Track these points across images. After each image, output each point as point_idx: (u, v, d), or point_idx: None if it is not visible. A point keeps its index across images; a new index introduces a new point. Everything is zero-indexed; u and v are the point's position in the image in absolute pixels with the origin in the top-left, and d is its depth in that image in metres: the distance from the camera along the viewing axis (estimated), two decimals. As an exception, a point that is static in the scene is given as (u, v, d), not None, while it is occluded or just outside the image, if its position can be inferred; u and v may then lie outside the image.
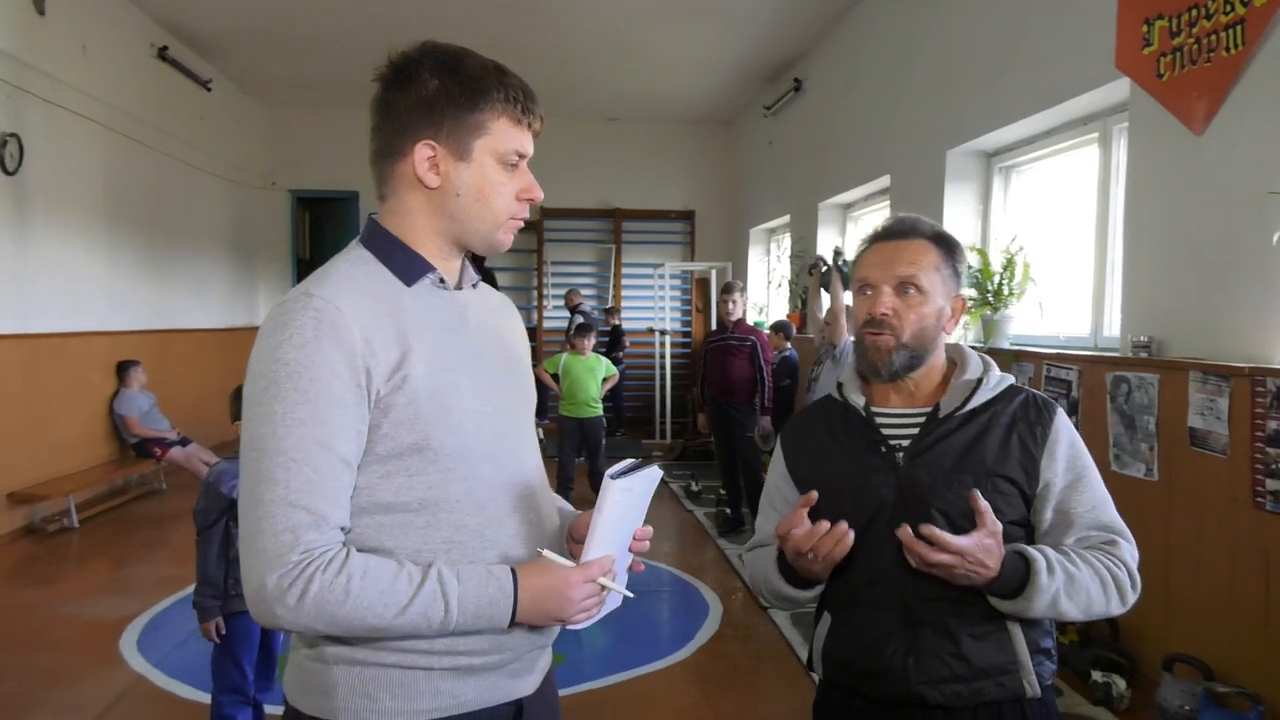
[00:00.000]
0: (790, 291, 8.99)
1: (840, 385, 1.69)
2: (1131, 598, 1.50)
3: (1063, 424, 1.55)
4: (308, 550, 1.14)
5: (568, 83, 9.74)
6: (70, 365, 6.68)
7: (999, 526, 1.41)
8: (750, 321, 9.62)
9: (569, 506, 1.51)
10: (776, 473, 1.73)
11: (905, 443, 1.56)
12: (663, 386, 10.59)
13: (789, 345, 7.36)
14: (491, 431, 1.29)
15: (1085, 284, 4.66)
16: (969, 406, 1.55)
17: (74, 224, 6.80)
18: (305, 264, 11.73)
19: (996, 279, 4.92)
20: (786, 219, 9.46)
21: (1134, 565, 1.51)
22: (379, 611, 1.16)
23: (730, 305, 6.40)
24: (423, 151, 1.26)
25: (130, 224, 7.67)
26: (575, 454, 7.04)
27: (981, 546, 1.39)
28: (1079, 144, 4.83)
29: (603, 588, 1.28)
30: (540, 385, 8.02)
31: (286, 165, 11.10)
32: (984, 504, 1.41)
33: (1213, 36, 3.48)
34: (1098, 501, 1.53)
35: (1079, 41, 4.32)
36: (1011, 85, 4.94)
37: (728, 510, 6.44)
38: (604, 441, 7.22)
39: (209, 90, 9.03)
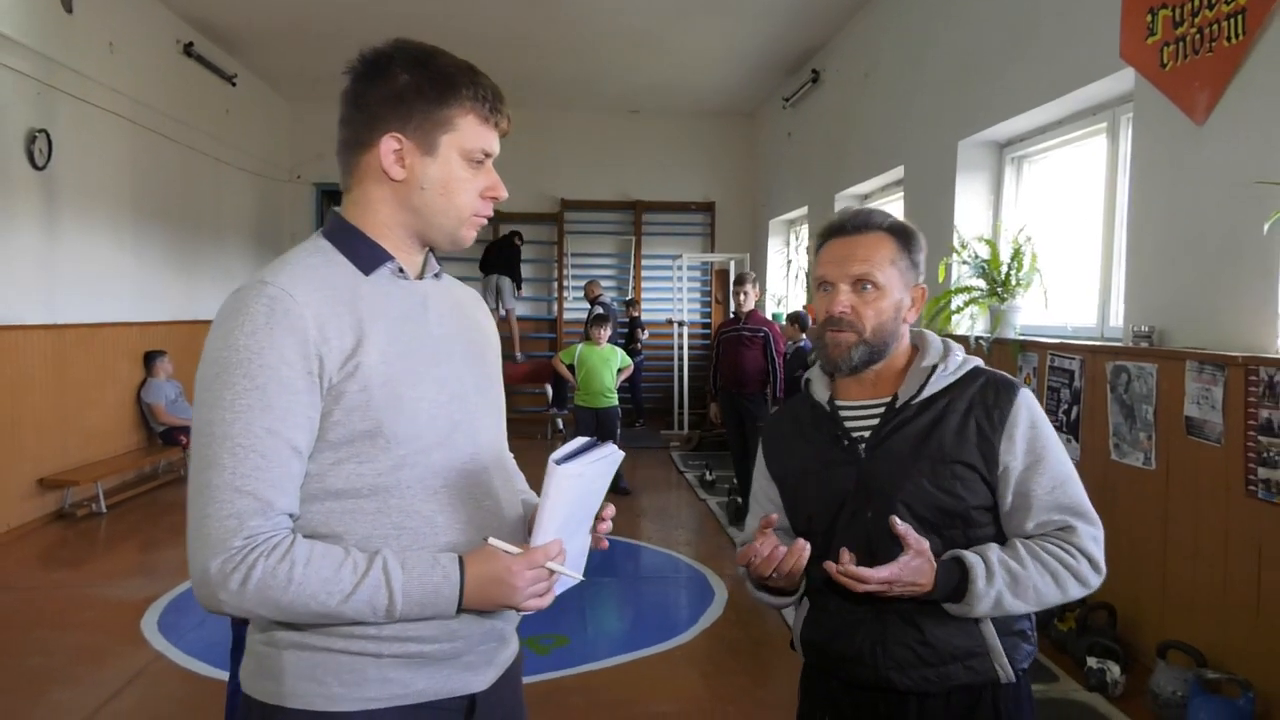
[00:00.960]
0: (808, 282, 9.01)
1: (807, 382, 1.71)
2: (1094, 581, 1.50)
3: (1023, 405, 1.53)
4: (251, 536, 1.15)
5: (589, 76, 9.81)
6: (99, 355, 6.86)
7: (925, 545, 1.43)
8: (769, 312, 9.71)
9: (534, 498, 1.49)
10: (759, 469, 1.76)
11: (867, 434, 1.57)
12: (681, 377, 10.65)
13: (804, 336, 7.39)
14: (446, 420, 1.29)
15: (1093, 274, 4.66)
16: (925, 394, 1.56)
17: (102, 217, 6.98)
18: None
19: (1004, 269, 4.94)
20: (805, 210, 9.47)
21: (1094, 549, 1.50)
22: (322, 599, 1.16)
23: (742, 297, 6.45)
24: (389, 144, 1.27)
25: (157, 217, 7.84)
26: None
27: (909, 569, 1.41)
28: (1088, 134, 4.83)
29: (551, 572, 1.27)
30: (561, 377, 8.17)
31: (310, 158, 11.26)
32: (903, 527, 1.43)
33: (1214, 26, 3.48)
34: (1059, 482, 1.51)
35: (1087, 31, 4.32)
36: (1022, 75, 4.93)
37: (739, 499, 6.50)
38: (619, 431, 7.31)
39: (234, 85, 9.19)
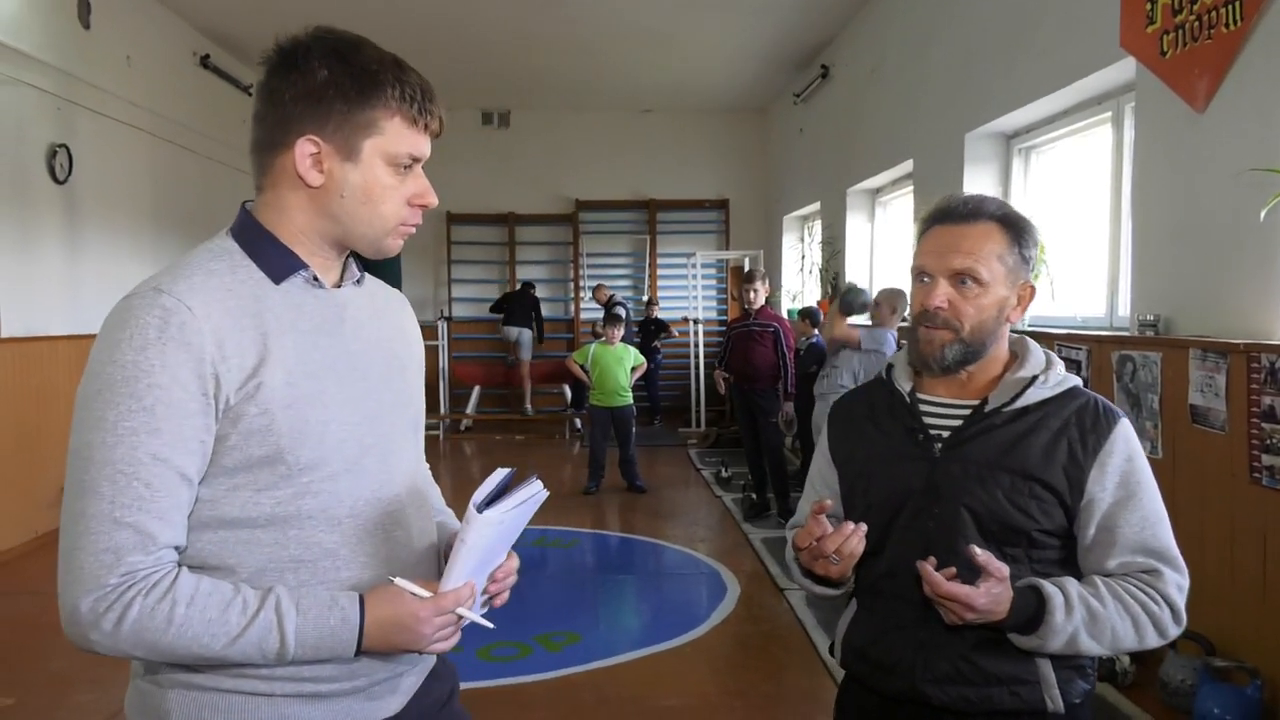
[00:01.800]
0: (821, 278, 9.01)
1: (890, 367, 1.62)
2: (1173, 632, 1.42)
3: (1121, 436, 1.44)
4: (129, 572, 1.06)
5: (600, 75, 9.85)
6: (122, 364, 6.99)
7: (1005, 572, 1.35)
8: (784, 308, 9.71)
9: (455, 522, 1.41)
10: (820, 450, 1.69)
11: (945, 433, 1.49)
12: (698, 375, 10.67)
13: (816, 332, 7.40)
14: (356, 444, 1.20)
15: (1101, 264, 4.65)
16: (1019, 404, 1.46)
17: (123, 230, 7.11)
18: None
19: (1012, 261, 4.93)
20: (817, 205, 9.47)
21: (1179, 598, 1.41)
22: (205, 641, 1.08)
23: (752, 294, 6.47)
24: (305, 147, 1.16)
25: (177, 228, 7.97)
26: (606, 442, 7.19)
27: (990, 597, 1.34)
28: (1093, 124, 4.82)
29: (459, 617, 1.20)
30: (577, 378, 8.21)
31: (328, 166, 11.38)
32: (983, 556, 1.34)
33: (1212, 13, 3.47)
34: (1149, 523, 1.42)
35: (1089, 20, 4.31)
36: (1026, 66, 4.93)
37: (753, 495, 6.53)
38: (634, 429, 7.36)
39: (250, 95, 9.32)
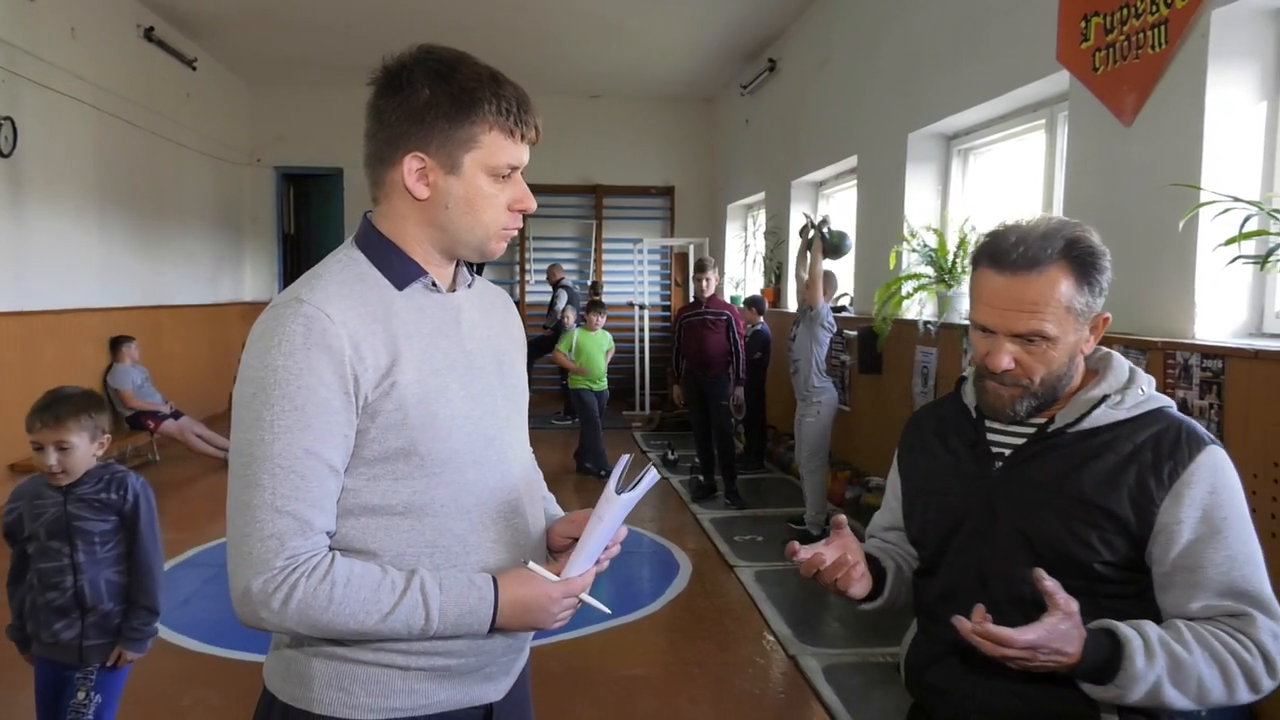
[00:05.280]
0: (765, 266, 9.27)
1: (962, 379, 1.55)
2: (1268, 686, 1.25)
3: (1206, 465, 1.29)
4: (293, 556, 1.17)
5: (550, 60, 9.92)
6: (65, 341, 6.90)
7: (1074, 606, 1.21)
8: (728, 295, 9.96)
9: (555, 509, 1.53)
10: (893, 465, 1.64)
11: (1006, 451, 1.42)
12: (643, 359, 10.87)
13: (761, 319, 7.68)
14: (480, 436, 1.30)
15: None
16: (1086, 424, 1.36)
17: (68, 204, 7.00)
18: (290, 239, 11.93)
19: (951, 257, 5.22)
20: (762, 195, 9.71)
21: (1274, 647, 1.25)
22: (361, 618, 1.18)
23: (704, 283, 6.65)
24: (412, 164, 1.25)
25: (121, 203, 7.86)
26: (602, 423, 7.50)
27: (1056, 634, 1.19)
28: (1029, 129, 5.12)
29: (581, 602, 1.30)
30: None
31: (271, 142, 11.25)
32: (1051, 583, 1.22)
33: (1141, 35, 3.75)
34: (1238, 562, 1.27)
35: (1028, 33, 4.58)
36: (968, 72, 5.19)
37: (700, 477, 6.76)
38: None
39: (194, 69, 9.18)
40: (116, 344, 7.49)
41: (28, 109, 6.35)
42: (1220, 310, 3.47)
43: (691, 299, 6.95)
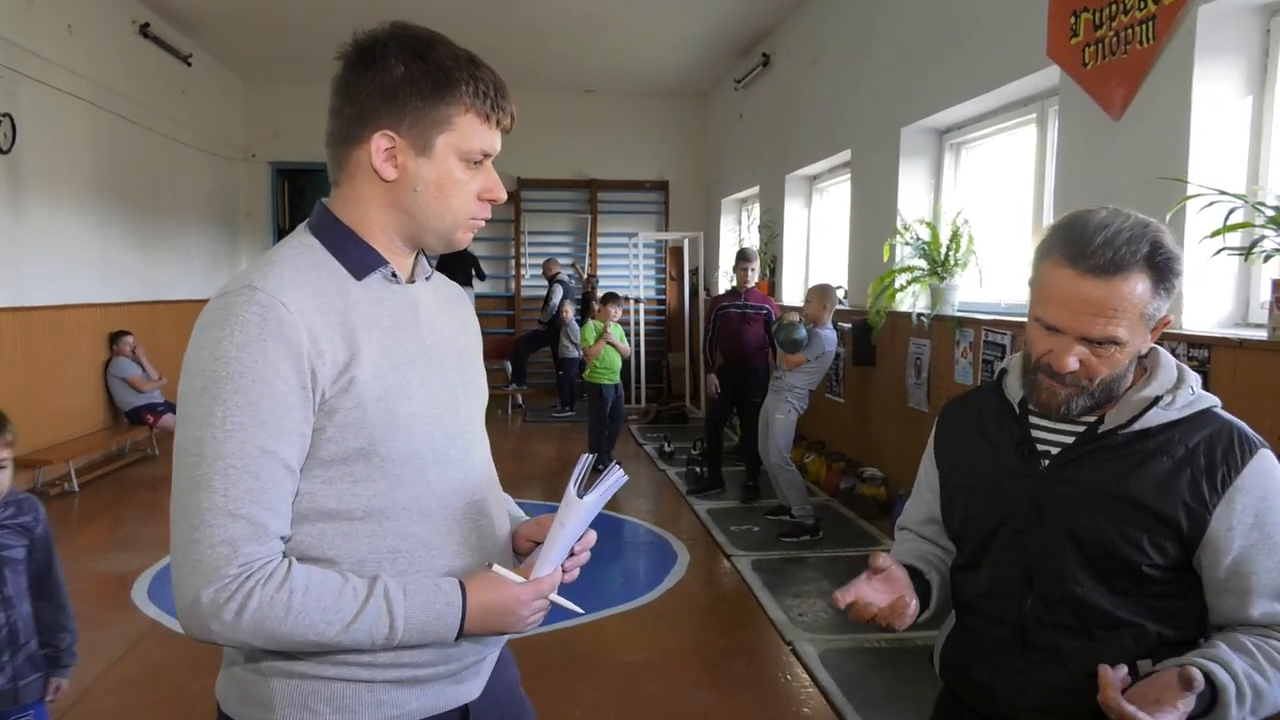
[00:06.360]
0: (760, 261, 9.32)
1: (1003, 373, 1.51)
2: None
3: (1258, 471, 1.29)
4: (247, 563, 1.09)
5: (544, 56, 9.96)
6: (65, 337, 6.94)
7: (1203, 685, 1.17)
8: (721, 289, 10.01)
9: (517, 511, 1.48)
10: (927, 455, 1.60)
11: (1055, 450, 1.39)
12: (637, 353, 10.94)
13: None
14: (442, 435, 1.24)
15: (1025, 255, 5.04)
16: (1138, 425, 1.34)
17: (66, 200, 7.03)
18: (286, 234, 11.91)
19: (943, 250, 5.29)
20: (756, 190, 9.77)
21: None
22: (321, 629, 1.11)
23: (749, 273, 6.57)
24: (380, 142, 1.18)
25: (118, 199, 7.89)
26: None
27: (1184, 715, 1.17)
28: (1020, 124, 5.19)
29: (551, 603, 1.26)
30: (521, 356, 8.29)
31: (266, 138, 11.27)
32: (1197, 677, 1.16)
33: (1129, 30, 3.82)
34: None
35: (1019, 29, 4.65)
36: (960, 67, 5.26)
37: (697, 469, 6.82)
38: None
39: (189, 65, 9.19)
40: (116, 337, 7.56)
41: (26, 106, 6.38)
42: (1206, 301, 3.55)
43: (730, 288, 6.85)
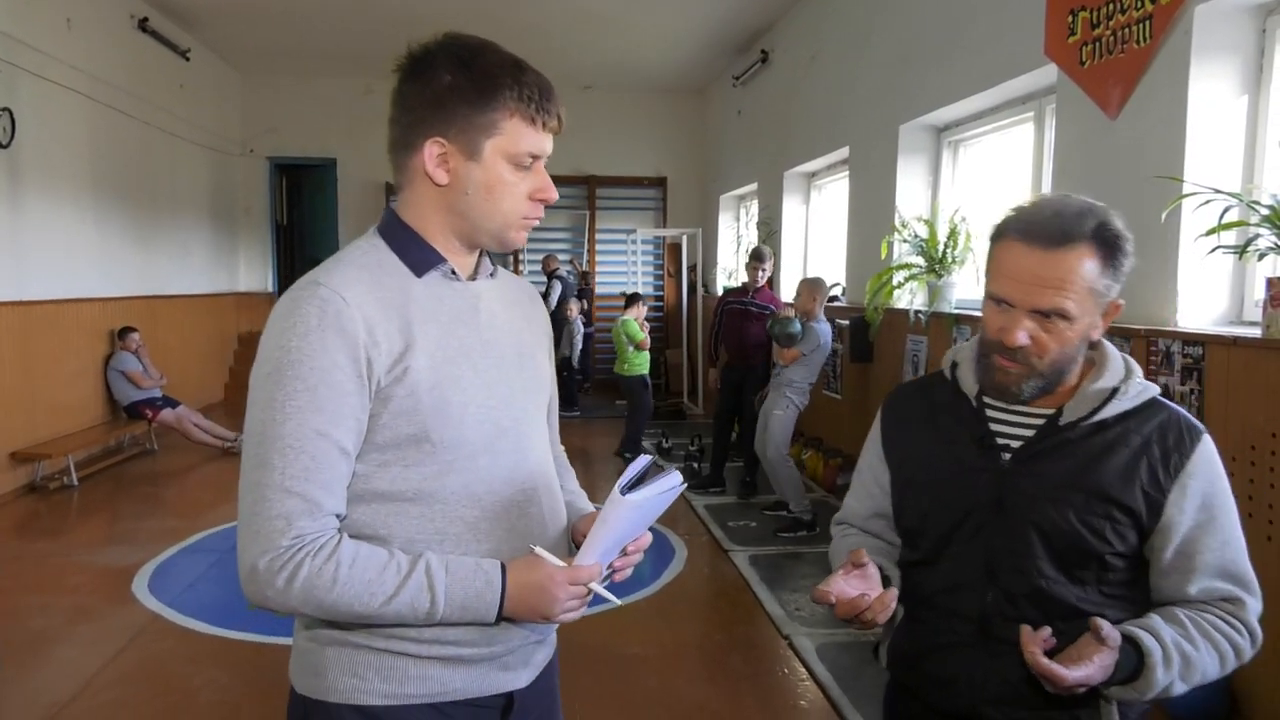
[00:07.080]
0: (773, 262, 9.34)
1: (955, 365, 1.51)
2: (1248, 657, 1.35)
3: (1204, 457, 1.35)
4: (299, 536, 1.17)
5: (542, 52, 9.79)
6: (64, 332, 6.95)
7: (1118, 639, 1.25)
8: (720, 286, 10.04)
9: (586, 504, 1.51)
10: (872, 448, 1.60)
11: (1015, 444, 1.40)
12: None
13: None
14: (493, 425, 1.30)
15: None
16: (1098, 417, 1.37)
17: (65, 194, 7.04)
18: (284, 230, 11.96)
19: (941, 248, 5.32)
20: (754, 186, 9.79)
21: (1256, 624, 1.36)
22: (365, 600, 1.18)
23: (759, 272, 6.56)
24: (432, 148, 1.25)
25: (117, 193, 7.89)
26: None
27: (1102, 668, 1.24)
28: (1017, 122, 5.21)
29: (589, 591, 1.29)
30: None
31: (264, 133, 11.27)
32: (1107, 629, 1.24)
33: (1126, 30, 3.85)
34: (1229, 546, 1.35)
35: (1016, 27, 4.67)
36: (958, 65, 5.28)
37: (695, 465, 6.84)
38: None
39: (188, 60, 9.19)
40: (122, 333, 7.58)
41: (25, 100, 6.38)
42: (1201, 298, 3.58)
43: (739, 285, 6.85)
